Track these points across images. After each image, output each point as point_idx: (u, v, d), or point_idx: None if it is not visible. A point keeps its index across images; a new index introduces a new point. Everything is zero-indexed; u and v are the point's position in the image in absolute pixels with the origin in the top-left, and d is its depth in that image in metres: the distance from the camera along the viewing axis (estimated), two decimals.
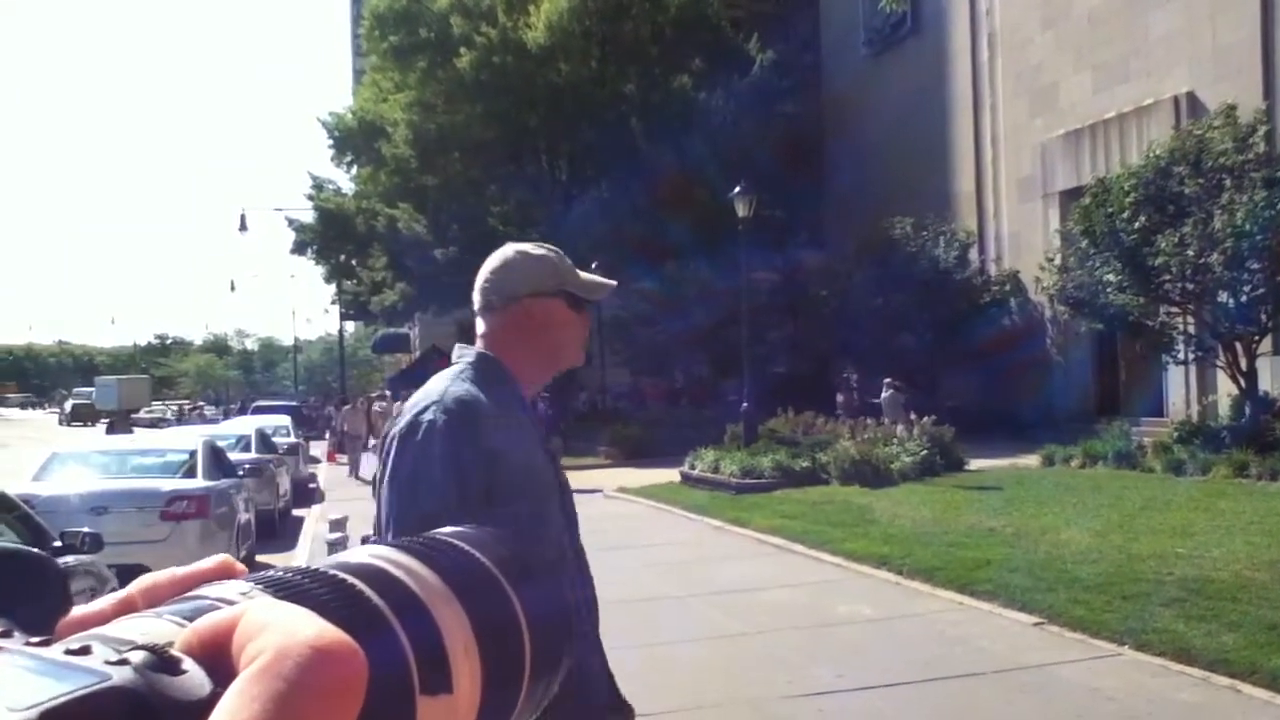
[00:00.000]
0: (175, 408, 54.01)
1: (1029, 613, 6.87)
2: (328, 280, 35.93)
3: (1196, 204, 13.86)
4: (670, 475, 16.20)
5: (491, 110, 25.45)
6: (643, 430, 22.06)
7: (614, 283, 2.09)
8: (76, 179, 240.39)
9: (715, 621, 7.07)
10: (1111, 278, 14.96)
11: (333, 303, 38.83)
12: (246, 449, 14.10)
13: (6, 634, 0.37)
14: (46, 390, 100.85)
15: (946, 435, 15.39)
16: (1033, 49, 21.96)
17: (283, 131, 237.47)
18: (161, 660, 0.34)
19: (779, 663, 6.08)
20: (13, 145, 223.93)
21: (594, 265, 23.73)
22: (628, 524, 12.56)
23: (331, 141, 29.85)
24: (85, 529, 5.62)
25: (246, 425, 17.35)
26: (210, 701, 0.33)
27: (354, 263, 32.57)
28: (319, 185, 32.19)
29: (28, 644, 0.35)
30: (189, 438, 11.60)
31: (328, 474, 21.99)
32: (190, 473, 9.46)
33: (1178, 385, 17.54)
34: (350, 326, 55.89)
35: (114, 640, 0.35)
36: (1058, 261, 16.94)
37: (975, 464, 15.23)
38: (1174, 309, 14.90)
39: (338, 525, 6.39)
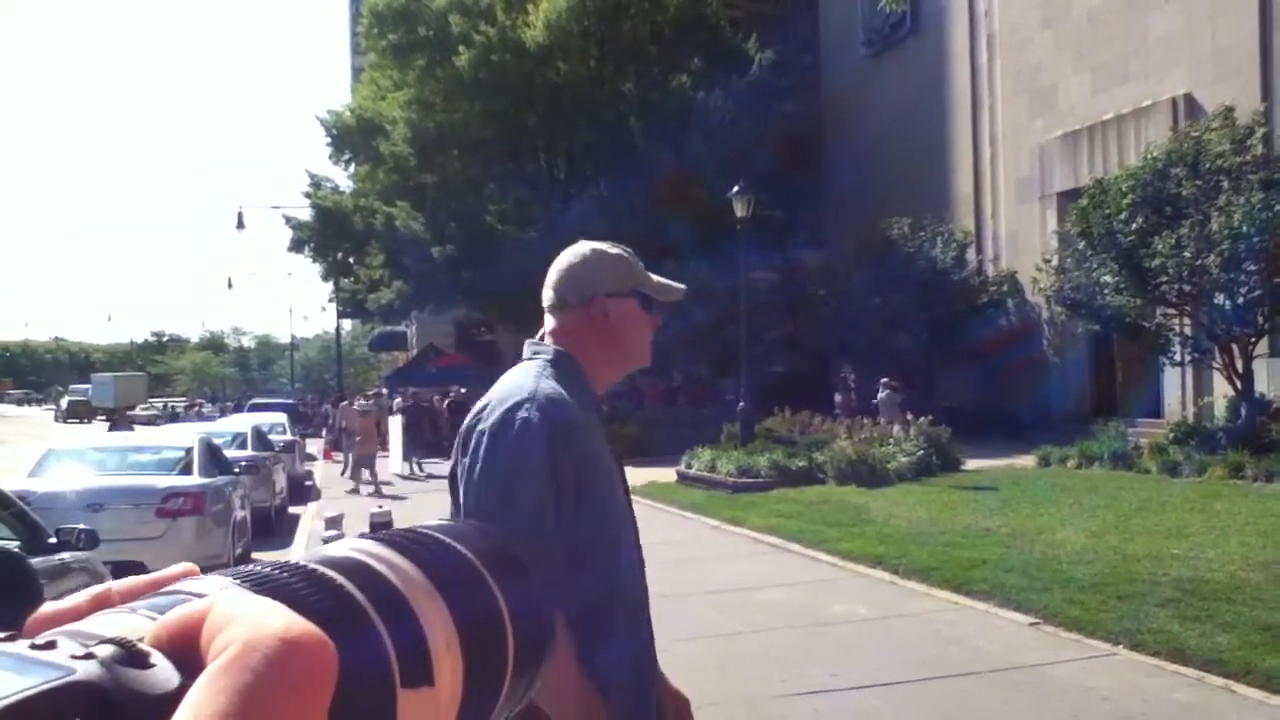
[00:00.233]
0: (165, 405, 53.43)
1: (1024, 613, 6.88)
2: (325, 278, 35.86)
3: (1194, 206, 13.87)
4: (667, 474, 16.20)
5: (490, 109, 25.41)
6: (640, 429, 22.04)
7: (684, 287, 2.06)
8: (74, 176, 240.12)
9: (711, 620, 7.07)
10: (1108, 279, 14.98)
11: (330, 300, 38.80)
12: (243, 446, 14.08)
13: None
14: (44, 387, 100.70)
15: (943, 435, 15.39)
16: (1032, 50, 21.97)
17: (281, 129, 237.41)
18: (129, 654, 0.33)
19: (774, 662, 6.08)
20: (10, 142, 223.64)
21: None
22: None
23: (329, 139, 29.79)
24: (81, 526, 5.60)
25: (243, 423, 17.34)
26: (178, 695, 0.33)
27: (351, 261, 32.50)
28: (317, 183, 32.12)
29: None
30: (185, 435, 11.59)
31: (324, 472, 21.97)
32: (186, 470, 9.45)
33: (1174, 387, 17.56)
34: (347, 324, 55.87)
35: (83, 635, 0.35)
36: (1055, 262, 16.95)
37: (971, 464, 15.24)
38: (1171, 310, 14.91)
39: (333, 523, 6.39)
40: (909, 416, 15.95)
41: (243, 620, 0.34)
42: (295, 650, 0.33)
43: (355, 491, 16.52)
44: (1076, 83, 20.55)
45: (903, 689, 5.53)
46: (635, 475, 17.87)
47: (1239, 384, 14.37)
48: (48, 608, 0.39)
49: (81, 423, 53.69)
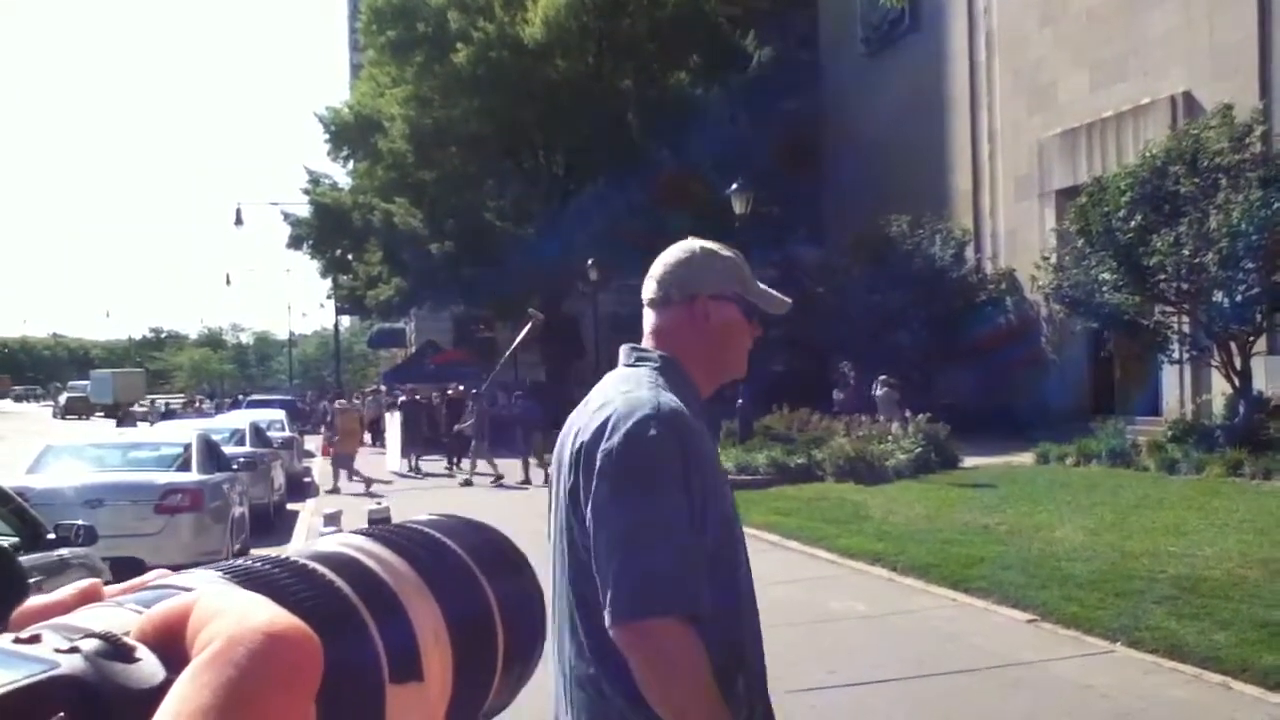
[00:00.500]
0: (152, 402, 52.80)
1: (1022, 610, 6.89)
2: (323, 275, 35.86)
3: (1192, 203, 13.88)
4: None
5: (488, 106, 25.40)
6: None
7: (790, 301, 1.99)
8: (72, 173, 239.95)
9: None
10: (1107, 276, 14.98)
11: (328, 297, 38.79)
12: (241, 443, 14.08)
13: None
14: (44, 383, 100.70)
15: (941, 433, 15.41)
16: (1030, 47, 21.96)
17: (279, 126, 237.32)
18: (114, 648, 0.33)
19: (772, 659, 6.04)
20: (9, 139, 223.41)
21: (590, 262, 23.84)
22: None
23: (328, 136, 29.77)
24: (79, 522, 5.61)
25: (241, 419, 17.34)
26: (163, 689, 0.33)
27: (350, 257, 32.51)
28: (315, 180, 32.11)
29: None
30: (184, 431, 11.59)
31: (322, 468, 21.95)
32: (185, 466, 9.45)
33: (1172, 384, 17.57)
34: (346, 321, 55.88)
35: (68, 629, 0.34)
36: (1054, 260, 16.95)
37: (970, 461, 15.25)
38: (1169, 308, 14.92)
39: (331, 519, 6.38)
40: (907, 414, 15.96)
41: (227, 614, 0.34)
42: (279, 644, 0.33)
43: (335, 491, 16.43)
44: (1075, 80, 20.55)
45: (900, 686, 5.54)
46: None
47: (1237, 382, 14.38)
48: (34, 601, 0.39)
49: (80, 419, 53.62)
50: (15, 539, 5.14)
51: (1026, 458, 15.87)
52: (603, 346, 27.11)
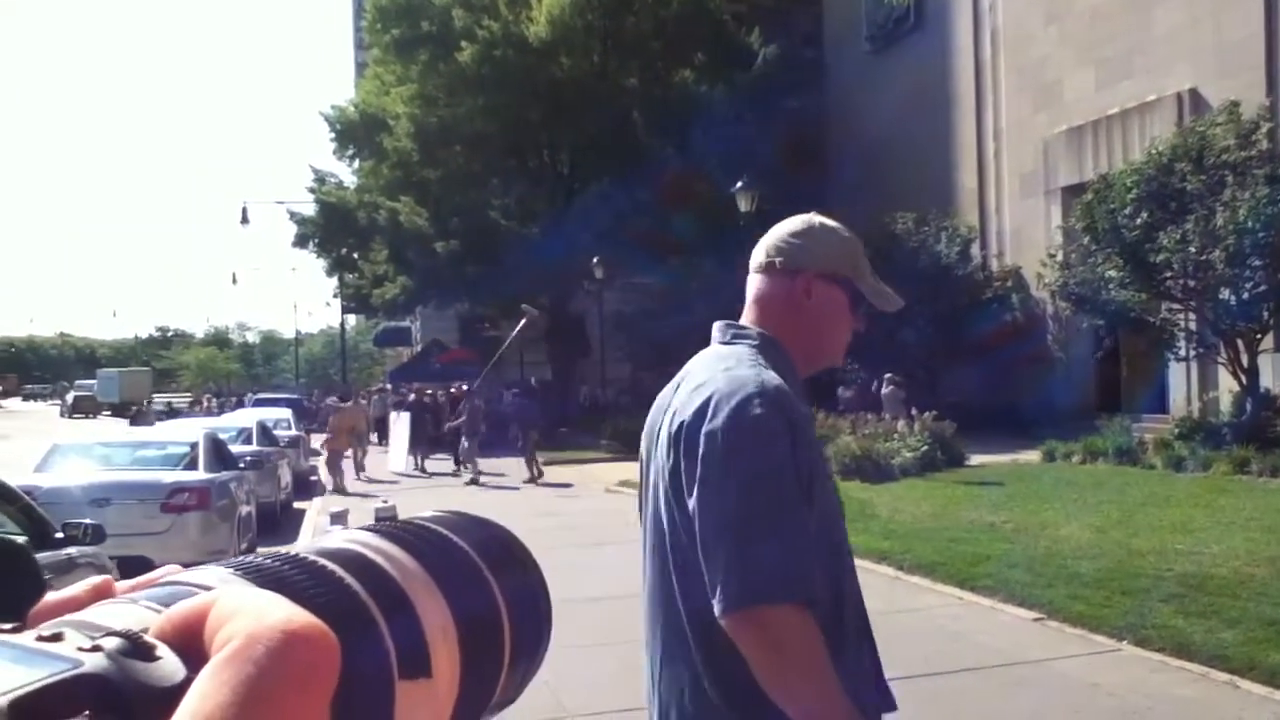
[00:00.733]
0: (147, 402, 52.51)
1: (1029, 608, 6.88)
2: (329, 273, 35.93)
3: (1199, 201, 13.85)
4: None
5: (493, 104, 25.42)
6: (643, 425, 22.04)
7: (902, 302, 1.88)
8: (79, 171, 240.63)
9: None
10: (1113, 274, 14.96)
11: (334, 296, 38.88)
12: (248, 442, 14.11)
13: None
14: (51, 382, 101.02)
15: (947, 430, 15.38)
16: (1036, 44, 21.92)
17: (285, 125, 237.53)
18: (135, 646, 0.33)
19: None
20: (15, 136, 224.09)
21: (595, 260, 23.86)
22: (628, 518, 12.54)
23: (333, 135, 29.82)
24: (87, 520, 5.63)
25: (248, 418, 17.37)
26: (184, 687, 0.33)
27: (355, 256, 32.54)
28: (321, 178, 32.15)
29: None
30: (191, 430, 11.62)
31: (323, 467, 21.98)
32: (192, 465, 9.47)
33: (1179, 382, 17.53)
34: (351, 320, 55.97)
35: (88, 627, 0.35)
36: (1059, 257, 16.93)
37: (976, 459, 15.24)
38: (1176, 305, 14.89)
39: (338, 518, 6.38)
40: (913, 412, 15.94)
41: (246, 613, 0.34)
42: (298, 642, 0.34)
43: (340, 490, 16.47)
44: (1081, 77, 20.50)
45: (907, 684, 5.52)
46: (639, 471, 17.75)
47: (1244, 379, 14.35)
48: (48, 598, 0.39)
49: (87, 418, 53.75)
50: (24, 537, 5.16)
51: (1033, 456, 15.84)
52: (608, 345, 27.15)
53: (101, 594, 0.39)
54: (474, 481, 17.40)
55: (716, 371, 1.61)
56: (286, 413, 21.52)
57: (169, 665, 0.34)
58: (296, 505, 15.35)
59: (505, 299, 24.60)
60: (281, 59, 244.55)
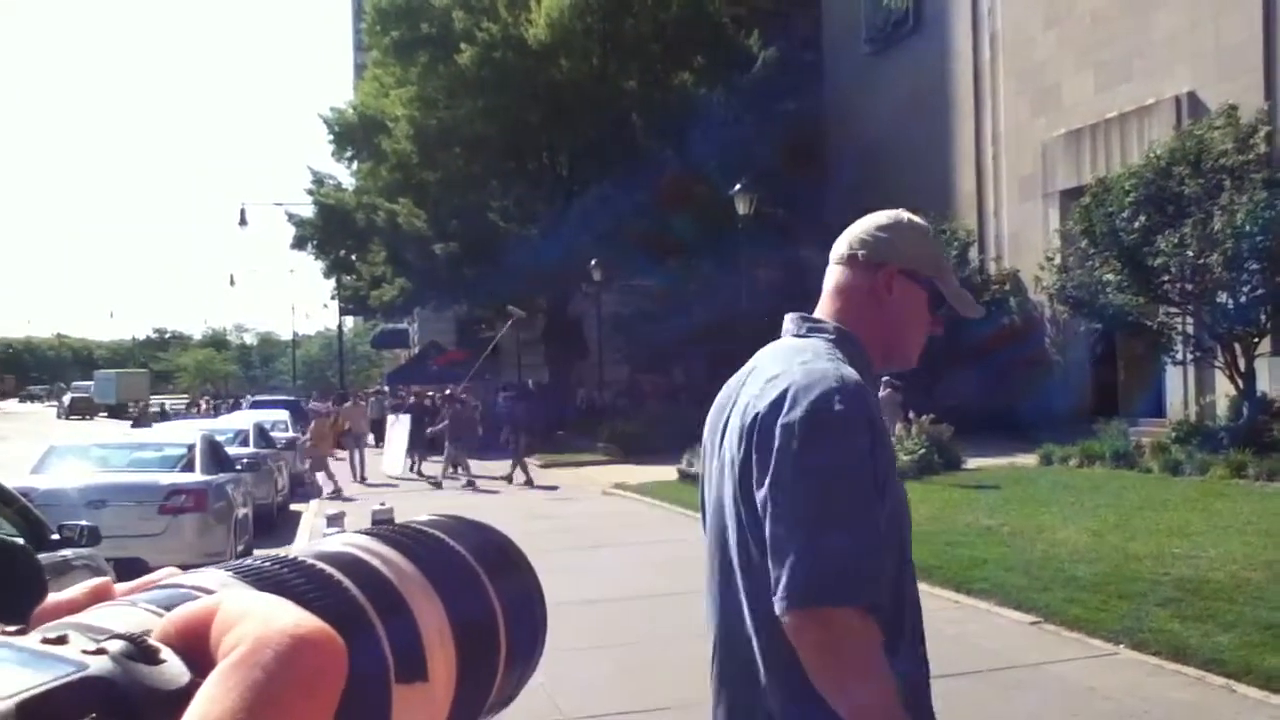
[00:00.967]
0: (137, 403, 52.13)
1: (1026, 612, 6.88)
2: (327, 275, 35.87)
3: (1196, 204, 13.88)
4: (668, 472, 16.20)
5: (492, 106, 25.43)
6: (641, 427, 22.05)
7: (982, 310, 1.84)
8: (77, 173, 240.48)
9: None
10: (1111, 277, 14.98)
11: (332, 298, 38.83)
12: (245, 444, 14.10)
13: None
14: (48, 383, 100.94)
15: (945, 434, 15.39)
16: (1035, 48, 21.95)
17: (283, 126, 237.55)
18: (139, 649, 0.33)
19: None
20: (13, 138, 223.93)
21: (593, 262, 23.86)
22: (625, 521, 12.57)
23: (332, 136, 29.81)
24: (83, 522, 5.62)
25: (245, 420, 17.35)
26: (189, 691, 0.33)
27: (353, 258, 32.51)
28: (319, 180, 32.13)
29: (3, 633, 0.35)
30: (188, 432, 11.62)
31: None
32: (189, 467, 9.47)
33: (1176, 385, 17.55)
34: (349, 322, 55.93)
35: (92, 629, 0.35)
36: (1058, 261, 16.94)
37: (973, 463, 15.24)
38: (1173, 309, 14.91)
39: (335, 520, 6.40)
40: (910, 415, 15.95)
41: (253, 617, 0.34)
42: (306, 647, 0.34)
43: (336, 494, 16.45)
44: (1079, 81, 20.53)
45: None
46: (636, 473, 17.77)
47: (1241, 383, 14.37)
48: (48, 600, 0.39)
49: (84, 419, 53.72)
50: (19, 539, 5.15)
51: (1030, 459, 15.85)
52: (606, 347, 27.15)
53: (101, 596, 0.39)
54: (470, 485, 17.40)
55: (793, 364, 1.56)
56: (284, 415, 21.50)
57: (173, 669, 0.34)
58: (293, 507, 15.34)
59: (503, 301, 24.61)
60: (280, 61, 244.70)
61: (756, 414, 1.51)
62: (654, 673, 5.81)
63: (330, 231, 31.03)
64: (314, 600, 0.38)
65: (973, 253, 23.15)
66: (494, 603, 0.45)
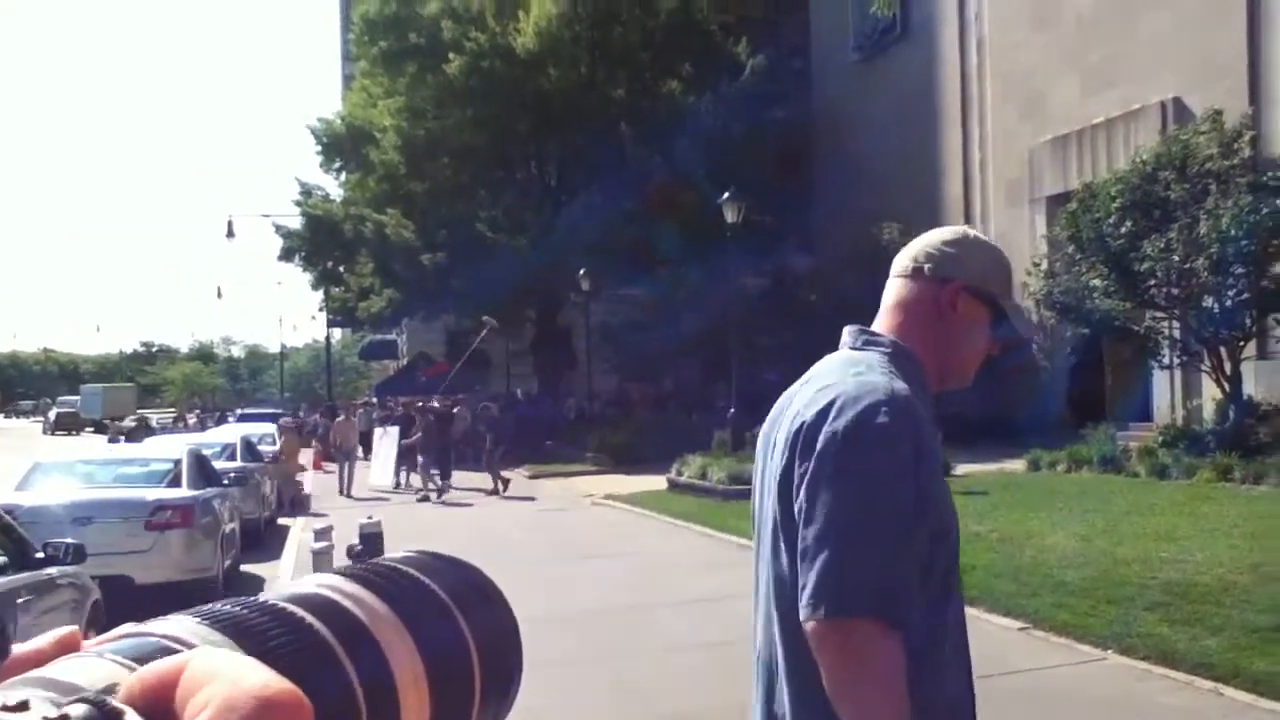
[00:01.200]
0: (113, 420, 51.31)
1: (1014, 617, 6.89)
2: (315, 287, 35.78)
3: (1182, 209, 13.95)
4: (657, 482, 16.19)
5: (481, 116, 25.45)
6: (630, 436, 22.03)
7: (1035, 333, 1.87)
8: (63, 185, 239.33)
9: (703, 628, 7.06)
10: (1098, 282, 15.04)
11: (320, 309, 38.68)
12: (232, 458, 14.01)
13: None
14: (34, 398, 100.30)
15: None
16: (1021, 54, 22.07)
17: (271, 138, 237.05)
18: (102, 713, 0.33)
19: None
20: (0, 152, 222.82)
21: (582, 271, 23.87)
22: (614, 531, 12.56)
23: (320, 147, 29.79)
24: (68, 540, 5.58)
25: (232, 433, 17.25)
26: None
27: (341, 269, 32.46)
28: (307, 191, 32.06)
29: None
30: (174, 446, 11.55)
31: (314, 481, 21.88)
32: (175, 482, 9.39)
33: (1163, 390, 17.62)
34: (337, 333, 55.75)
35: (55, 685, 0.34)
36: (1044, 266, 17.00)
37: (961, 469, 15.26)
38: (1160, 314, 14.97)
39: (322, 535, 6.37)
40: None
41: (221, 678, 0.34)
42: (274, 710, 0.33)
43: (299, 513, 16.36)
44: (1066, 86, 20.65)
45: None
46: (625, 483, 17.72)
47: (1227, 387, 14.43)
48: (15, 652, 0.39)
49: (70, 434, 53.34)
50: (3, 558, 5.11)
51: (1018, 464, 15.89)
52: (594, 356, 27.15)
53: (68, 646, 0.39)
54: (425, 498, 17.26)
55: (846, 375, 1.56)
56: (271, 428, 21.36)
57: None
58: (281, 521, 15.26)
59: (493, 311, 24.59)
60: (268, 72, 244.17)
61: (803, 422, 1.51)
62: (647, 683, 5.80)
63: (318, 243, 30.97)
64: (283, 644, 0.38)
65: None
66: (468, 641, 0.45)
